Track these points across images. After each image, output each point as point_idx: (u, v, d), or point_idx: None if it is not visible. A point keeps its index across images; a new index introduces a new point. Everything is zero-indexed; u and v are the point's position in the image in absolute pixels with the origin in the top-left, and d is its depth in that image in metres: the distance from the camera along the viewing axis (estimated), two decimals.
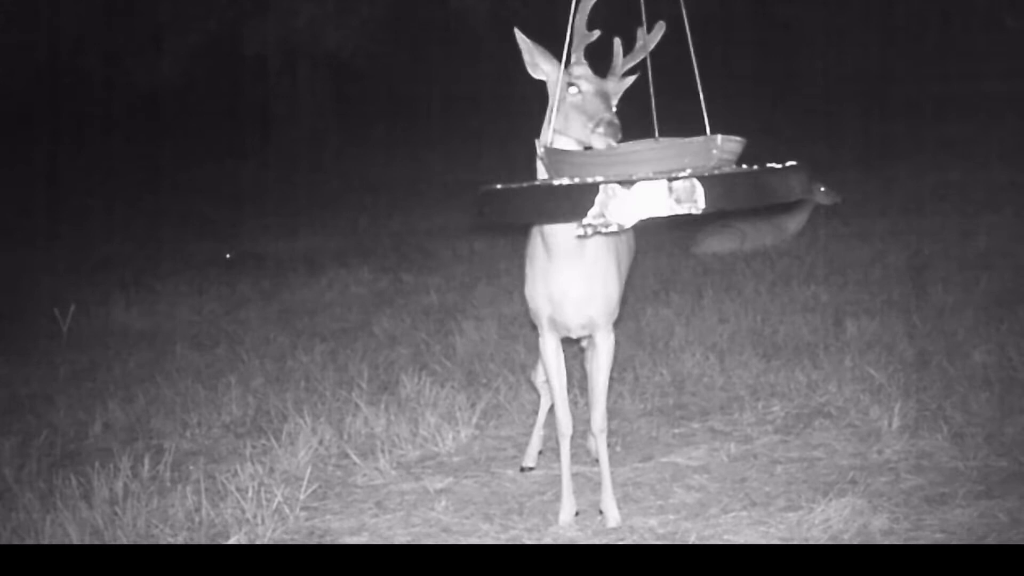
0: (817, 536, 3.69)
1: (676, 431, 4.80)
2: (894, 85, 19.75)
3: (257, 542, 3.90)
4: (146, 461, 4.54)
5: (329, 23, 16.71)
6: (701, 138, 2.92)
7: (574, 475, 4.11)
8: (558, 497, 4.04)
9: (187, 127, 19.46)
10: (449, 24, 20.32)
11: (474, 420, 4.94)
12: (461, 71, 22.37)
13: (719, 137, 2.86)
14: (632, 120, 3.46)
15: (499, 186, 2.89)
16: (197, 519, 4.05)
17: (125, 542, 3.92)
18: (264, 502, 4.14)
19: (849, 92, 19.38)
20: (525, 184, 2.95)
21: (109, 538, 3.94)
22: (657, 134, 3.34)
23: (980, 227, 8.38)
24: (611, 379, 5.40)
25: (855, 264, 7.54)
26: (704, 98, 3.12)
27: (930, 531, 3.69)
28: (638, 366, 5.58)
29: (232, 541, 3.92)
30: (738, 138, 2.94)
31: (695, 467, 4.39)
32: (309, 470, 4.48)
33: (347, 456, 4.67)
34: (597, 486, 4.05)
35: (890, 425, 4.53)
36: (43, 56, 17.67)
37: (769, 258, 7.76)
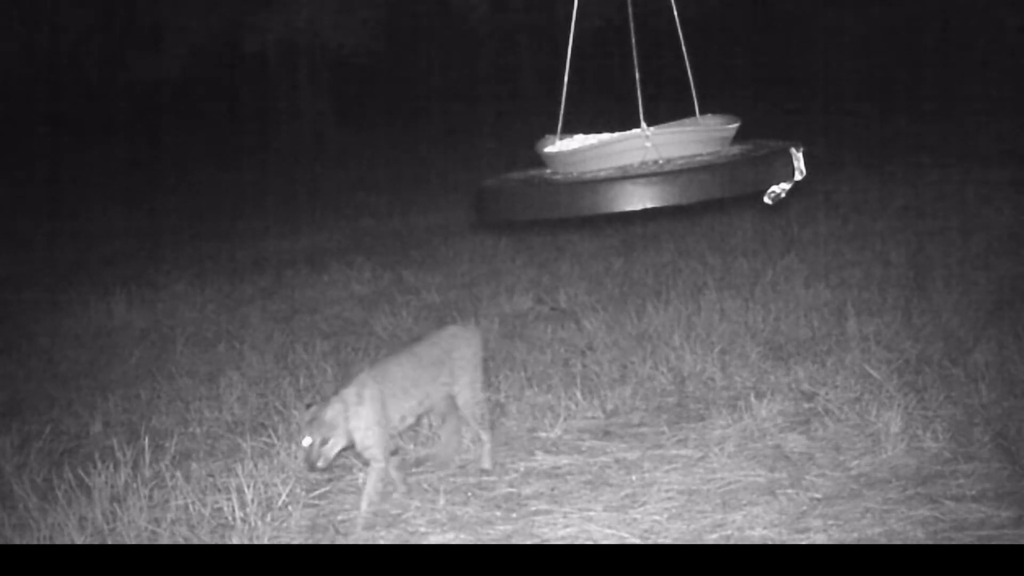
0: (817, 536, 3.70)
1: (676, 430, 4.80)
2: (894, 84, 19.74)
3: (257, 542, 3.91)
4: (147, 459, 4.55)
5: (329, 21, 16.71)
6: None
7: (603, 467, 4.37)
8: (559, 497, 4.04)
9: (188, 125, 19.44)
10: (449, 22, 20.32)
11: None
12: (461, 69, 22.36)
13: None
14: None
15: (492, 182, 2.90)
16: (197, 518, 4.05)
17: (125, 541, 3.93)
18: (265, 501, 4.15)
19: (849, 91, 19.35)
20: (522, 177, 2.95)
21: (109, 537, 3.95)
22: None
23: (980, 226, 8.37)
24: (613, 379, 5.43)
25: (855, 264, 7.54)
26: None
27: (931, 531, 3.69)
28: (638, 365, 5.59)
29: (232, 541, 3.93)
30: (673, 128, 2.96)
31: (695, 466, 4.39)
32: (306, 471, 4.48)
33: (347, 455, 4.67)
34: (601, 480, 4.04)
35: (889, 425, 4.53)
36: (43, 55, 17.68)
37: (771, 258, 7.76)
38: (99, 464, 4.41)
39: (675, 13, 3.11)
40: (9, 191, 14.64)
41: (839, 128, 15.09)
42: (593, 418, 5.01)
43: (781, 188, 2.75)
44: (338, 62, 18.36)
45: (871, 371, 5.16)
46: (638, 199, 2.60)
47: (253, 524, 3.99)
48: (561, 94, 3.09)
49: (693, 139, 2.90)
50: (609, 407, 5.10)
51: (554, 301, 7.11)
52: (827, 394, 4.98)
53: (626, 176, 2.67)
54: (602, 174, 2.77)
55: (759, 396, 4.99)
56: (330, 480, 4.47)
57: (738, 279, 7.28)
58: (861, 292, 6.68)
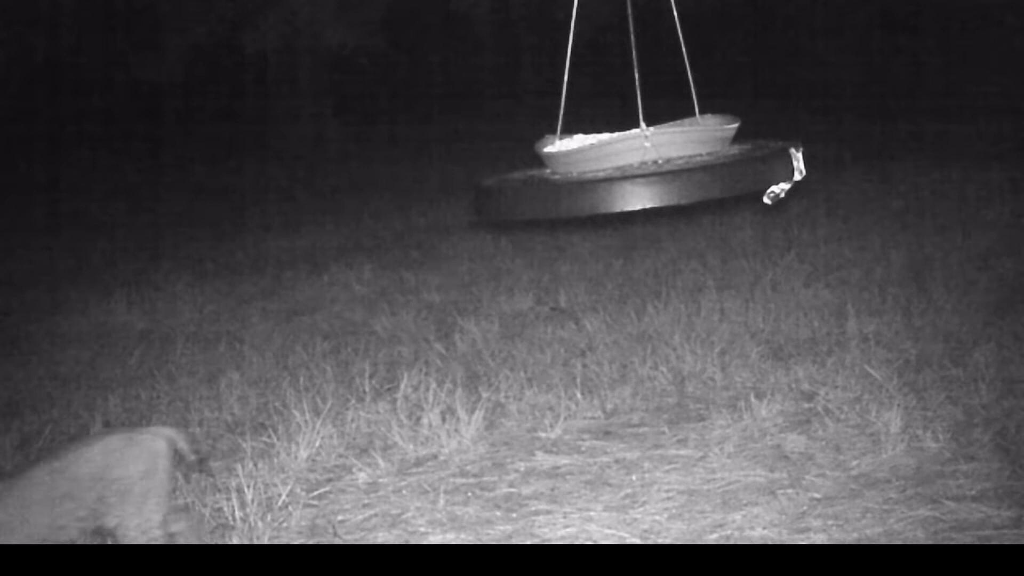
0: (817, 536, 3.69)
1: (677, 430, 4.80)
2: (895, 83, 19.72)
3: (257, 542, 3.91)
4: None
5: (330, 21, 16.68)
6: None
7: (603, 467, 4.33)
8: (559, 497, 4.04)
9: (188, 125, 19.42)
10: (449, 21, 20.31)
11: (475, 419, 4.94)
12: (461, 68, 22.34)
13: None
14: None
15: (491, 181, 2.89)
16: (197, 518, 4.05)
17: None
18: (265, 501, 4.15)
19: (849, 90, 19.31)
20: (522, 177, 2.95)
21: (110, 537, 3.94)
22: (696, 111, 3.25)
23: (980, 226, 8.37)
24: (613, 379, 5.43)
25: (855, 264, 7.54)
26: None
27: (931, 531, 3.69)
28: (638, 365, 5.58)
29: (232, 541, 3.93)
30: (673, 128, 2.95)
31: (695, 466, 4.39)
32: (309, 469, 4.48)
33: (347, 455, 4.68)
34: (601, 480, 4.04)
35: (889, 425, 4.53)
36: (43, 54, 17.70)
37: (771, 258, 7.76)
38: None
39: (675, 12, 3.11)
40: (10, 191, 14.63)
41: (839, 128, 15.08)
42: (593, 418, 5.01)
43: (780, 188, 2.75)
44: (339, 62, 18.33)
45: (871, 371, 5.16)
46: (638, 199, 2.59)
47: (253, 524, 4.00)
48: (561, 94, 3.08)
49: (693, 139, 2.90)
50: (609, 407, 5.10)
51: (554, 301, 7.11)
52: (827, 394, 4.98)
53: (625, 176, 2.67)
54: (601, 174, 2.77)
55: (759, 396, 4.99)
56: (330, 480, 4.47)
57: (738, 279, 7.28)
58: (862, 292, 6.68)
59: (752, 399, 4.95)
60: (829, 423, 4.68)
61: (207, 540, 3.77)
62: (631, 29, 3.11)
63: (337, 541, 3.96)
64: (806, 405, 4.94)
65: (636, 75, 3.06)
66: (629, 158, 2.84)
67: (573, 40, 3.12)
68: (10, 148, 16.93)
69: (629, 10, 3.09)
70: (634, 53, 3.09)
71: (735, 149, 2.93)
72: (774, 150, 2.80)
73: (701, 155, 2.84)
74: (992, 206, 9.07)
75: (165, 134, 18.94)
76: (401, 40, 19.68)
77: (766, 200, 2.78)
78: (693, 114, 3.08)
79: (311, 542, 3.95)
